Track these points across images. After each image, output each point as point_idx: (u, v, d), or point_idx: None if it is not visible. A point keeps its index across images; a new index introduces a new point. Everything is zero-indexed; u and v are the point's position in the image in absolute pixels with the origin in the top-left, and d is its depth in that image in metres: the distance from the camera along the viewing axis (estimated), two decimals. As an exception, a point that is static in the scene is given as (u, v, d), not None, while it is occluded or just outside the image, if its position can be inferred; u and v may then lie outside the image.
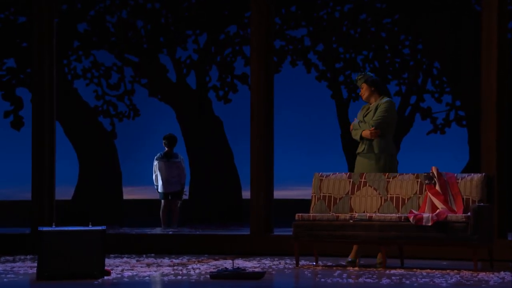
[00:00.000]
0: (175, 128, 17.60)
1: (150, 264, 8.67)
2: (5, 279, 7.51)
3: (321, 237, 8.48)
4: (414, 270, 8.10)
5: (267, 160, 10.06)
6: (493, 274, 7.76)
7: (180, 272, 7.89)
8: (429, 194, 8.43)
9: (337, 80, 17.75)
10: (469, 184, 8.41)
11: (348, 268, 8.31)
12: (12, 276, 7.73)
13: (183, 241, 10.26)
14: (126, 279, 7.41)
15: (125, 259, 9.34)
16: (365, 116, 8.80)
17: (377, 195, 8.67)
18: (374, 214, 8.41)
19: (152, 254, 9.81)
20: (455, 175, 8.52)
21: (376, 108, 8.74)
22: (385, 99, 8.82)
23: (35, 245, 7.56)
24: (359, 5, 17.38)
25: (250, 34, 10.21)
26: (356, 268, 8.26)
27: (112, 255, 9.63)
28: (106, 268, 7.57)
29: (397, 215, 8.35)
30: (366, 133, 8.70)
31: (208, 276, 7.51)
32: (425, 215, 8.21)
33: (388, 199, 8.65)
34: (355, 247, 8.70)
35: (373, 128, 8.67)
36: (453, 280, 7.31)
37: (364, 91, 8.86)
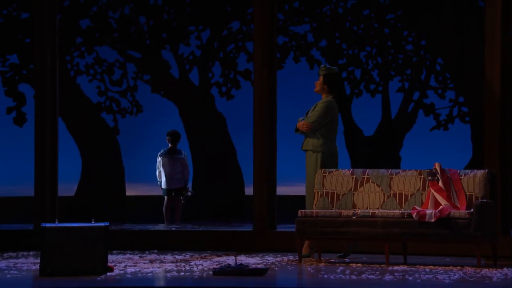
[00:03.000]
0: (178, 124, 17.59)
1: (153, 261, 8.67)
2: (8, 275, 7.51)
3: (324, 233, 8.47)
4: (417, 266, 8.09)
5: (270, 156, 10.05)
6: (496, 270, 7.75)
7: (183, 269, 7.88)
8: (432, 190, 8.42)
9: (340, 76, 17.74)
10: (472, 180, 8.40)
11: (351, 264, 8.31)
12: (15, 272, 7.73)
13: (186, 238, 10.26)
14: (129, 275, 7.41)
15: (128, 255, 9.34)
16: (310, 112, 9.02)
17: (380, 192, 8.67)
18: (377, 211, 8.41)
19: (155, 251, 9.82)
20: (458, 171, 8.51)
21: (315, 106, 8.97)
22: (327, 98, 8.94)
23: (38, 241, 7.57)
24: (362, 1, 17.36)
25: (253, 30, 10.19)
26: (359, 265, 8.25)
27: (115, 252, 9.64)
28: (109, 264, 7.57)
29: (400, 211, 8.34)
30: (299, 124, 8.97)
31: (211, 272, 7.51)
32: (428, 211, 8.20)
33: (391, 195, 8.64)
34: (307, 242, 8.79)
35: (305, 121, 8.85)
36: (456, 276, 7.31)
37: (318, 84, 9.06)
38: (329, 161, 8.91)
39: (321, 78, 9.03)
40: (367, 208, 8.65)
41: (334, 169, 8.91)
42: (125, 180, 17.80)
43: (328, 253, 9.17)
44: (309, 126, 8.89)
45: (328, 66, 9.06)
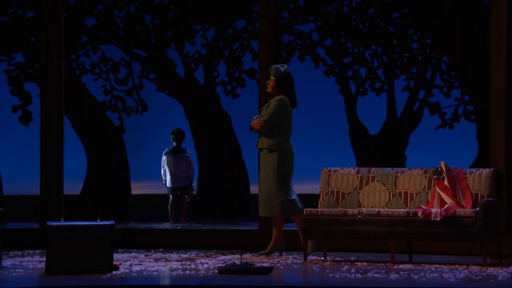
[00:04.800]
0: (183, 123, 17.59)
1: (159, 259, 8.68)
2: (14, 274, 7.52)
3: (329, 232, 8.47)
4: (423, 265, 8.09)
5: (275, 155, 10.03)
6: (501, 269, 7.74)
7: (189, 267, 7.89)
8: (437, 189, 8.41)
9: (345, 75, 17.73)
10: (478, 179, 8.39)
11: (356, 263, 8.30)
12: (21, 270, 7.74)
13: (191, 236, 10.26)
14: (134, 274, 7.41)
15: (133, 254, 9.35)
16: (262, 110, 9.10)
17: (385, 190, 8.66)
18: (382, 209, 8.40)
19: (161, 249, 9.82)
20: (464, 170, 8.50)
21: (269, 105, 9.01)
22: (280, 96, 8.99)
23: (44, 240, 7.57)
24: (367, -1, 17.35)
25: (258, 29, 10.19)
26: (365, 263, 8.25)
27: (120, 250, 9.64)
28: (114, 263, 7.58)
29: (406, 210, 8.34)
30: (253, 122, 9.01)
31: (216, 271, 7.51)
32: (434, 210, 8.19)
33: (397, 194, 8.64)
34: (273, 240, 8.86)
35: (259, 119, 8.90)
36: (461, 275, 7.30)
37: (270, 85, 9.09)
38: (286, 159, 8.94)
39: (272, 79, 9.07)
40: (372, 207, 8.64)
41: (340, 168, 8.90)
42: (130, 179, 17.81)
43: (333, 252, 9.17)
44: (263, 124, 8.94)
45: (278, 67, 9.08)
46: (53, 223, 7.48)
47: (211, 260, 8.56)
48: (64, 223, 7.49)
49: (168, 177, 12.99)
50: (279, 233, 8.99)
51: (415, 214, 8.23)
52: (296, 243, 9.07)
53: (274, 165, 8.88)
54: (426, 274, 7.36)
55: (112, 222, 7.53)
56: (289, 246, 9.54)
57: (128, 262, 8.31)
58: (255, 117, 9.08)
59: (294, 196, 8.99)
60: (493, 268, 7.79)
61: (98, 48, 17.52)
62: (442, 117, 17.62)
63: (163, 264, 8.14)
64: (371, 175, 8.75)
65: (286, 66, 9.10)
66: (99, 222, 7.50)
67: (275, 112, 8.93)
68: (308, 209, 8.61)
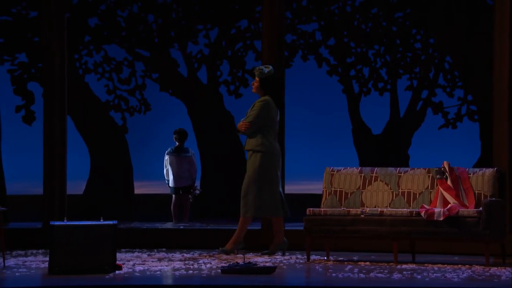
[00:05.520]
0: (186, 123, 17.60)
1: (161, 259, 8.68)
2: (17, 273, 7.53)
3: (332, 232, 8.47)
4: (426, 265, 8.08)
5: (278, 155, 10.03)
6: (505, 269, 7.74)
7: (191, 267, 7.89)
8: (440, 189, 8.41)
9: (348, 75, 17.73)
10: (481, 179, 8.38)
11: (359, 262, 8.30)
12: (24, 270, 7.75)
13: (194, 236, 10.26)
14: (137, 274, 7.42)
15: (136, 253, 9.36)
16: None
17: (388, 190, 8.66)
18: (385, 209, 8.40)
19: (163, 249, 9.83)
20: (467, 169, 8.49)
21: (253, 106, 9.09)
22: (264, 97, 9.05)
23: (47, 239, 7.58)
24: (370, -1, 17.35)
25: (261, 29, 10.19)
26: (368, 263, 8.24)
27: (123, 250, 9.65)
28: (117, 262, 7.58)
29: (409, 210, 8.33)
30: (239, 124, 9.08)
31: (219, 270, 7.51)
32: (437, 210, 8.19)
33: (400, 194, 8.63)
34: (233, 238, 8.97)
35: (244, 121, 8.98)
36: (464, 275, 7.29)
37: (254, 86, 9.17)
38: (269, 161, 8.95)
39: (257, 79, 9.13)
40: (375, 207, 8.64)
41: (342, 168, 8.90)
42: (133, 179, 17.82)
43: (336, 251, 9.17)
44: (247, 126, 8.98)
45: (262, 68, 9.10)
46: (56, 223, 7.48)
47: (214, 259, 8.56)
48: (67, 223, 7.50)
49: (171, 177, 13.00)
50: (241, 233, 9.04)
51: (418, 214, 8.23)
52: (301, 242, 9.06)
53: (255, 165, 8.95)
54: (429, 274, 7.36)
55: (115, 222, 7.54)
56: (290, 246, 9.54)
57: (131, 262, 8.31)
58: (243, 119, 9.13)
59: (273, 199, 8.98)
60: (496, 268, 7.79)
61: (101, 48, 17.53)
62: (445, 117, 17.61)
63: (166, 264, 8.15)
64: (374, 175, 8.75)
65: (270, 67, 9.15)
66: (102, 222, 7.51)
67: (259, 113, 8.99)
68: (311, 208, 8.61)
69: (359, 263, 8.29)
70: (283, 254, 9.00)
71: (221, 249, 9.07)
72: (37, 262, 8.42)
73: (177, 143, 13.04)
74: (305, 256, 8.66)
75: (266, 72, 9.08)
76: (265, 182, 8.93)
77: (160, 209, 16.32)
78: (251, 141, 9.03)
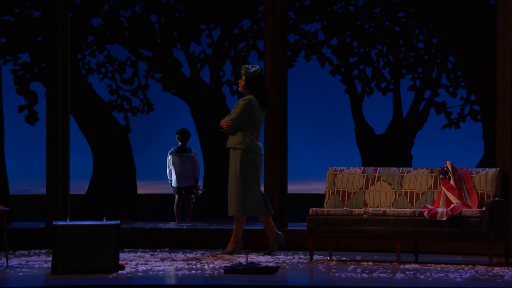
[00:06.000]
0: (189, 123, 17.60)
1: (164, 259, 8.68)
2: (20, 273, 7.54)
3: (335, 231, 8.47)
4: (429, 265, 8.08)
5: (280, 155, 10.05)
6: (508, 269, 7.73)
7: (194, 267, 7.89)
8: (443, 188, 8.41)
9: (351, 75, 17.72)
10: (484, 178, 8.38)
11: (362, 262, 8.30)
12: (27, 270, 7.76)
13: (197, 236, 10.26)
14: (140, 274, 7.42)
15: (139, 253, 9.36)
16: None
17: (391, 190, 8.66)
18: (388, 209, 8.40)
19: (166, 249, 9.83)
20: (470, 169, 8.49)
21: (237, 104, 9.11)
22: (248, 96, 9.09)
23: (50, 239, 7.58)
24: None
25: (264, 28, 10.19)
26: (371, 263, 8.24)
27: (126, 250, 9.65)
28: (120, 262, 7.58)
29: (412, 210, 8.33)
30: (221, 121, 9.14)
31: (222, 270, 7.51)
32: (440, 209, 8.18)
33: (403, 193, 8.63)
34: (231, 239, 9.01)
35: (226, 119, 9.03)
36: (468, 275, 7.29)
37: (240, 83, 9.18)
38: (250, 159, 8.97)
39: (243, 78, 9.18)
40: (378, 207, 8.64)
41: (345, 168, 8.90)
42: (136, 178, 17.83)
43: (339, 251, 9.17)
44: (229, 123, 9.01)
45: (248, 67, 9.11)
46: (59, 223, 7.49)
47: (216, 259, 8.56)
48: (70, 223, 7.50)
49: (174, 177, 13.00)
50: (238, 233, 9.05)
51: (421, 213, 8.23)
52: (304, 242, 9.06)
53: (236, 163, 8.99)
54: (432, 274, 7.35)
55: (118, 221, 7.54)
56: (293, 245, 9.54)
57: (134, 262, 8.32)
58: (226, 117, 9.17)
59: (255, 198, 8.99)
60: (499, 268, 7.78)
61: (104, 48, 17.53)
62: (448, 117, 17.60)
63: (169, 264, 8.15)
64: (377, 174, 8.74)
65: (257, 67, 9.17)
66: (105, 222, 7.51)
67: (241, 112, 9.02)
68: (314, 208, 8.61)
69: (362, 263, 8.29)
70: (283, 249, 9.00)
71: (223, 252, 9.08)
72: (40, 262, 8.42)
73: (179, 143, 13.04)
74: (308, 256, 8.66)
75: (252, 71, 9.11)
76: (247, 180, 8.97)
77: (163, 209, 16.32)
78: (232, 138, 9.09)
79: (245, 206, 8.99)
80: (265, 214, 9.02)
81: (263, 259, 8.54)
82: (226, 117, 9.14)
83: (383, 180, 8.71)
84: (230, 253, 9.01)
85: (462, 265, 8.03)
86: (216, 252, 9.26)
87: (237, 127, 9.04)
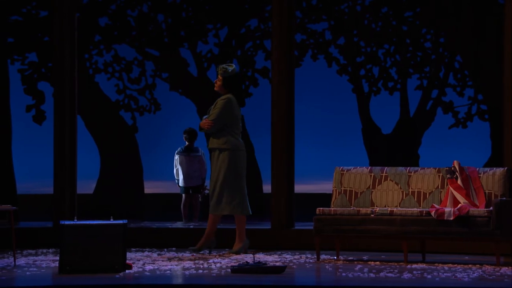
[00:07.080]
0: (196, 122, 17.58)
1: (171, 258, 8.69)
2: (27, 272, 7.55)
3: (342, 231, 8.46)
4: (436, 264, 8.07)
5: (288, 154, 10.05)
6: (515, 269, 7.71)
7: (201, 266, 7.90)
8: (451, 188, 8.39)
9: (358, 74, 17.70)
10: (491, 178, 8.36)
11: (369, 262, 8.29)
12: (35, 269, 7.77)
13: (204, 235, 10.25)
14: (147, 273, 7.43)
15: (146, 253, 9.37)
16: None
17: (398, 190, 8.65)
18: (395, 209, 8.39)
19: (174, 248, 9.83)
20: (477, 169, 8.47)
21: (216, 104, 9.12)
22: (226, 95, 9.10)
23: (57, 239, 7.60)
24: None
25: (271, 28, 10.19)
26: (378, 263, 8.24)
27: (134, 249, 9.66)
28: (127, 261, 7.59)
29: (419, 209, 8.32)
30: (202, 122, 9.11)
31: (229, 270, 7.52)
32: (447, 209, 8.17)
33: (410, 193, 8.62)
34: (236, 238, 9.01)
35: (207, 119, 9.02)
36: (475, 274, 7.28)
37: (217, 84, 9.21)
38: (237, 158, 8.99)
39: (220, 78, 9.19)
40: (385, 206, 8.63)
41: (352, 167, 8.89)
42: (143, 178, 17.85)
43: (346, 251, 9.16)
44: (211, 124, 9.01)
45: (225, 67, 9.12)
46: (67, 222, 7.50)
47: (223, 259, 8.57)
48: (78, 222, 7.51)
49: (181, 177, 13.00)
50: (242, 232, 9.06)
51: (428, 213, 8.22)
52: (311, 242, 9.05)
53: (225, 164, 8.97)
54: (440, 273, 7.34)
55: (125, 221, 7.55)
56: (300, 245, 9.54)
57: (141, 261, 8.33)
58: (205, 116, 9.17)
59: (242, 197, 9.03)
60: (506, 268, 7.77)
61: (111, 48, 17.55)
62: (456, 116, 17.58)
63: (176, 263, 8.16)
64: (384, 174, 8.74)
65: (234, 66, 9.19)
66: (112, 221, 7.52)
67: (222, 111, 9.02)
68: (321, 208, 8.60)
69: (369, 262, 8.28)
70: (210, 253, 9.03)
71: (230, 251, 9.09)
72: (47, 261, 8.44)
73: (187, 143, 13.05)
74: (315, 256, 8.66)
75: (229, 71, 9.13)
76: (241, 178, 9.01)
77: (170, 209, 16.33)
78: (216, 140, 9.07)
79: (245, 205, 9.04)
80: (249, 212, 9.10)
81: (270, 259, 8.55)
82: (205, 117, 9.13)
83: (390, 179, 8.70)
84: (237, 253, 9.02)
85: (470, 265, 8.01)
86: (223, 252, 9.26)
87: (219, 126, 9.04)
